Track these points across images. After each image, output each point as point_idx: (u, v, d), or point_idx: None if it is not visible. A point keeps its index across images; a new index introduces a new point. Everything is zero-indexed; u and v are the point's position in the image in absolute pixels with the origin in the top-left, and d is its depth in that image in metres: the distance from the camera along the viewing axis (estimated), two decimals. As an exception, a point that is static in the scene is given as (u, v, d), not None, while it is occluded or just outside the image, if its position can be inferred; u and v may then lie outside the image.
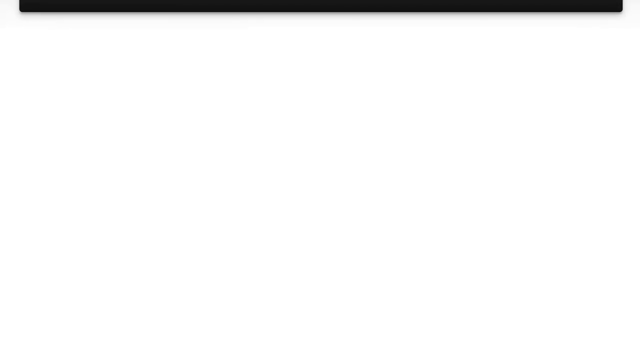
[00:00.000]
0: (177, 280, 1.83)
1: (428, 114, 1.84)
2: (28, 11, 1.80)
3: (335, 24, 1.84)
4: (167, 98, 1.83)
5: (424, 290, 1.83)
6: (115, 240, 1.83)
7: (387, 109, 1.84)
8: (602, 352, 1.84)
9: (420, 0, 1.81)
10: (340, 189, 1.84)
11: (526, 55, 1.85)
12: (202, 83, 1.84)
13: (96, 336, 1.82)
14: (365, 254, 1.84)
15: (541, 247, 1.84)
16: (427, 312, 1.83)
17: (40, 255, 1.82)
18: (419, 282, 1.83)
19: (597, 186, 1.84)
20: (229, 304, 1.83)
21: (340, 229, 1.84)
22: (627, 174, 1.84)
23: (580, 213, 1.84)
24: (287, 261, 1.83)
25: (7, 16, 1.82)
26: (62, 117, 1.82)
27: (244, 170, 1.84)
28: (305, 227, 1.83)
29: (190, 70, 1.83)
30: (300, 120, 1.84)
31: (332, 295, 1.84)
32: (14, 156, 1.82)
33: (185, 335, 1.83)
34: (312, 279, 1.83)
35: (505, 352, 1.84)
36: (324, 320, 1.83)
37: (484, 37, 1.85)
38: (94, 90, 1.83)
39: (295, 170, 1.84)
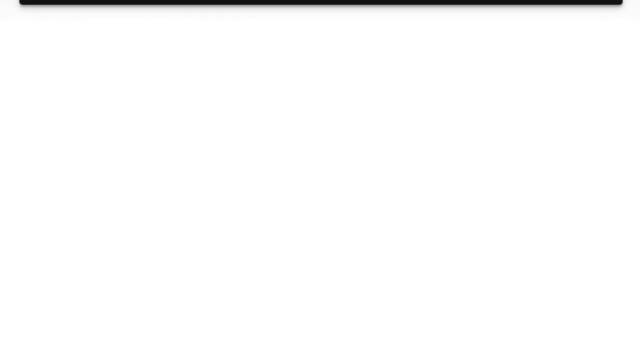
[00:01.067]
0: (178, 280, 1.83)
1: (425, 108, 1.84)
2: (28, 4, 1.81)
3: (334, 16, 1.85)
4: (168, 92, 1.83)
5: (424, 290, 1.83)
6: (113, 237, 1.83)
7: (386, 103, 1.84)
8: (602, 352, 1.83)
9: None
10: (340, 185, 1.84)
11: (526, 49, 1.84)
12: (203, 76, 1.84)
13: (96, 336, 1.82)
14: (366, 251, 1.83)
15: (540, 243, 1.84)
16: (428, 312, 1.83)
17: (33, 250, 1.82)
18: (419, 282, 1.83)
19: (597, 181, 1.84)
20: (229, 304, 1.83)
21: (341, 228, 1.83)
22: (628, 169, 1.84)
23: (577, 207, 1.84)
24: (287, 259, 1.83)
25: (8, 9, 1.83)
26: (63, 111, 1.82)
27: (245, 168, 1.84)
28: (304, 225, 1.83)
29: (192, 64, 1.84)
30: (300, 116, 1.84)
31: (332, 295, 1.83)
32: (15, 151, 1.82)
33: (185, 335, 1.83)
34: (312, 278, 1.83)
35: (506, 352, 1.83)
36: (324, 320, 1.83)
37: (482, 30, 1.85)
38: (95, 83, 1.83)
39: (295, 166, 1.84)
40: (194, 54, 1.84)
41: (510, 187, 1.84)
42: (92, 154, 1.83)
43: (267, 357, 1.83)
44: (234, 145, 1.83)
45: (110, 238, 1.83)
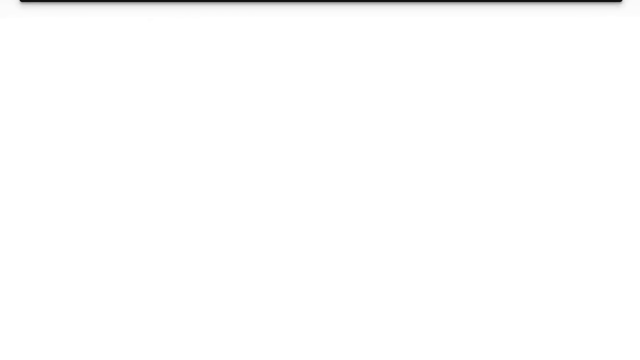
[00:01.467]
0: (176, 280, 1.82)
1: (424, 105, 1.84)
2: (28, 1, 1.81)
3: (334, 14, 1.85)
4: (167, 90, 1.84)
5: (423, 290, 1.82)
6: (111, 236, 1.82)
7: (387, 101, 1.84)
8: (602, 352, 1.82)
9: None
10: (338, 185, 1.84)
11: (526, 46, 1.85)
12: (203, 73, 1.84)
13: (96, 336, 1.81)
14: (365, 250, 1.83)
15: (538, 243, 1.83)
16: (426, 312, 1.82)
17: (28, 247, 1.82)
18: (418, 281, 1.82)
19: (596, 177, 1.83)
20: (229, 304, 1.82)
21: (339, 227, 1.83)
22: (628, 165, 1.84)
23: (577, 204, 1.83)
24: (285, 258, 1.83)
25: (8, 7, 1.83)
26: (62, 108, 1.82)
27: (243, 166, 1.83)
28: (303, 225, 1.83)
29: (192, 61, 1.84)
30: (299, 114, 1.84)
31: (331, 295, 1.83)
32: (15, 147, 1.82)
33: (184, 335, 1.82)
34: (311, 278, 1.82)
35: (505, 352, 1.82)
36: (324, 320, 1.82)
37: (482, 27, 1.85)
38: (95, 81, 1.83)
39: (293, 164, 1.83)
40: (194, 51, 1.84)
41: (510, 184, 1.83)
42: (91, 149, 1.82)
43: (264, 357, 1.82)
44: (233, 143, 1.83)
45: (101, 234, 1.82)
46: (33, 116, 1.82)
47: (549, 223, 1.83)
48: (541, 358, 1.82)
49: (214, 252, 1.82)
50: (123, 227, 1.82)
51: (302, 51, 1.85)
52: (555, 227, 1.83)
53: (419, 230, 1.83)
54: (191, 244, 1.82)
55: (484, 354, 1.82)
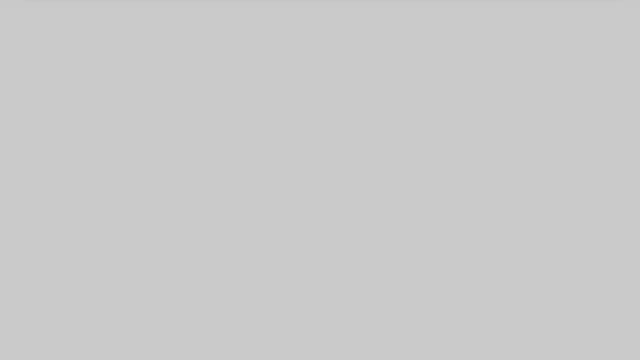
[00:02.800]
0: (172, 275, 1.83)
1: (422, 100, 1.85)
2: (32, -5, 1.84)
3: (332, 8, 1.86)
4: (167, 82, 1.85)
5: (420, 288, 1.83)
6: (103, 228, 1.84)
7: (384, 97, 1.85)
8: (601, 352, 1.82)
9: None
10: (337, 184, 1.85)
11: (526, 40, 1.85)
12: (202, 67, 1.85)
13: (95, 334, 1.83)
14: (362, 247, 1.84)
15: (536, 240, 1.83)
16: (422, 310, 1.83)
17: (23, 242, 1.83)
18: (416, 280, 1.83)
19: (591, 171, 1.83)
20: (227, 303, 1.83)
21: (335, 225, 1.84)
22: (626, 160, 1.84)
23: (573, 198, 1.83)
24: (284, 256, 1.84)
25: (12, 1, 1.85)
26: (65, 100, 1.84)
27: (241, 161, 1.85)
28: (300, 223, 1.84)
29: (191, 56, 1.85)
30: (299, 111, 1.85)
31: (329, 293, 1.84)
32: (18, 137, 1.84)
33: (183, 333, 1.83)
34: (309, 276, 1.84)
35: (503, 351, 1.83)
36: (321, 319, 1.83)
37: (479, 22, 1.85)
38: (98, 73, 1.85)
39: (291, 160, 1.84)
40: (193, 46, 1.85)
41: (506, 178, 1.84)
42: (93, 140, 1.84)
43: (265, 356, 1.83)
44: (232, 141, 1.84)
45: (96, 226, 1.84)
46: (37, 107, 1.84)
47: (546, 219, 1.84)
48: (537, 356, 1.83)
49: (211, 246, 1.84)
50: (120, 221, 1.83)
51: (301, 46, 1.86)
52: (551, 223, 1.84)
53: (415, 229, 1.83)
54: (184, 235, 1.83)
55: (482, 353, 1.83)
